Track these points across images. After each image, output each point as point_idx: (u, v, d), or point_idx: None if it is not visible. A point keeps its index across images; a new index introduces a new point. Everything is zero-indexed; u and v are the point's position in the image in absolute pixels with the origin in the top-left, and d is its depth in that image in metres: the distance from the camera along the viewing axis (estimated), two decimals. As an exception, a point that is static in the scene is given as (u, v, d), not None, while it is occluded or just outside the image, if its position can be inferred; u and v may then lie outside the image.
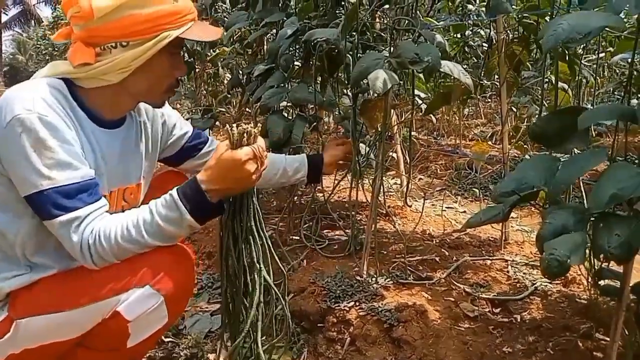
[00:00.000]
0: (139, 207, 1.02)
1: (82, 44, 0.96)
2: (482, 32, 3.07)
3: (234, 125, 0.98)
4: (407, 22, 1.47)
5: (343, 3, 1.71)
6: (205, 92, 3.22)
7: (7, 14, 29.67)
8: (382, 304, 1.37)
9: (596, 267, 1.04)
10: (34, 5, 28.70)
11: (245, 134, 0.97)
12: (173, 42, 0.99)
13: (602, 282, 1.04)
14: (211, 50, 2.73)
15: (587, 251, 0.82)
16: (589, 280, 1.31)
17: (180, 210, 0.96)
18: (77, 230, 0.92)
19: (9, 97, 0.92)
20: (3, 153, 0.92)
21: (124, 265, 0.96)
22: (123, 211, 1.12)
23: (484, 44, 3.43)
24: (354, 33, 1.50)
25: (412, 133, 2.73)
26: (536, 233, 1.88)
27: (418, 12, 1.61)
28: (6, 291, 0.98)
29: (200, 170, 1.18)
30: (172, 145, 1.27)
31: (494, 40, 1.81)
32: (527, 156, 1.94)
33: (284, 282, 1.15)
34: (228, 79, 2.99)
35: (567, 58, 1.43)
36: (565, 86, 1.63)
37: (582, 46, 1.64)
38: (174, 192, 0.98)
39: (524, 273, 1.55)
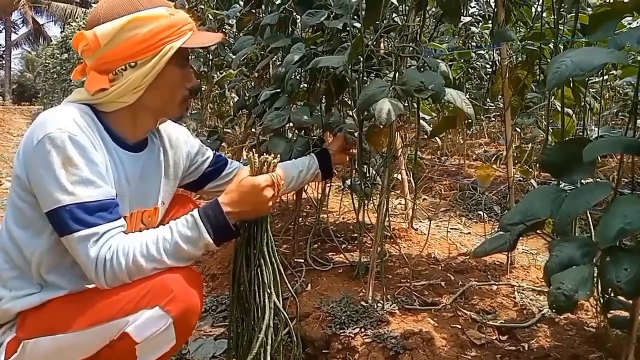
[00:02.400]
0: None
1: (95, 73, 1.02)
2: (486, 55, 3.10)
3: (256, 154, 1.06)
4: (411, 49, 1.49)
5: (348, 29, 1.74)
6: (210, 110, 3.25)
7: (17, 33, 30.27)
8: (387, 330, 1.36)
9: (605, 297, 1.03)
10: (42, 24, 29.28)
11: (265, 163, 1.05)
12: (179, 54, 1.04)
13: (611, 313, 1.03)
14: (218, 73, 2.77)
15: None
16: (597, 307, 1.30)
17: (200, 230, 0.99)
18: (94, 245, 0.94)
19: (42, 119, 0.97)
20: (31, 169, 0.95)
21: (134, 286, 0.97)
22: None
23: (487, 65, 3.46)
24: (360, 58, 1.52)
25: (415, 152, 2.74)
26: (541, 258, 1.86)
27: (422, 37, 1.63)
28: (16, 310, 0.99)
29: (219, 192, 1.26)
30: (195, 171, 1.32)
31: (497, 64, 1.83)
32: (532, 180, 1.94)
33: (296, 307, 1.17)
34: (234, 100, 3.02)
35: (571, 84, 1.44)
36: (570, 111, 1.64)
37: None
38: (195, 212, 1.02)
39: (531, 299, 1.54)
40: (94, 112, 1.03)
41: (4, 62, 28.64)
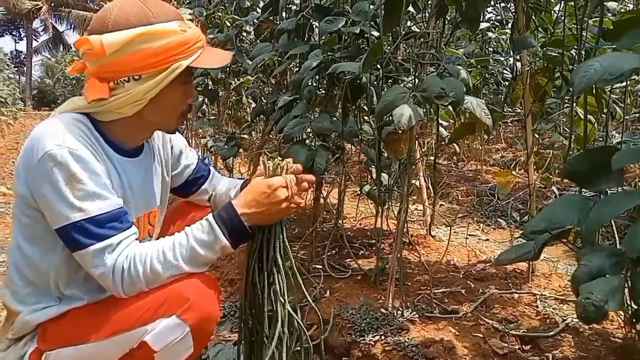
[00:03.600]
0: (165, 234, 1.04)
1: (96, 80, 0.98)
2: (503, 60, 3.07)
3: (268, 159, 1.06)
4: (431, 55, 1.49)
5: (366, 36, 1.74)
6: (227, 116, 3.28)
7: (37, 40, 31.03)
8: (408, 338, 1.35)
9: (634, 308, 1.01)
10: (62, 31, 29.95)
11: (278, 167, 1.05)
12: (184, 71, 1.01)
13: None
14: (235, 79, 2.80)
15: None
16: (624, 317, 1.27)
17: (216, 232, 0.99)
18: (110, 256, 0.94)
19: (38, 135, 0.94)
20: (35, 188, 0.94)
21: (151, 294, 0.97)
22: (150, 235, 1.16)
23: (504, 71, 3.43)
24: (378, 65, 1.53)
25: (432, 158, 2.73)
26: (562, 266, 1.82)
27: (441, 44, 1.63)
28: (36, 322, 1.01)
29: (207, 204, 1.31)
30: (179, 174, 1.29)
31: (517, 69, 1.82)
32: (553, 187, 1.91)
33: (319, 316, 1.16)
34: (251, 106, 3.05)
35: (594, 91, 1.42)
36: (591, 118, 1.62)
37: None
38: (209, 216, 1.01)
39: (554, 308, 1.51)
40: (90, 121, 1.00)
41: (25, 68, 29.39)
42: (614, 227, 1.39)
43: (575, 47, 1.42)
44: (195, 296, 0.97)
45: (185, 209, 1.35)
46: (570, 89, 1.63)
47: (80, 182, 0.92)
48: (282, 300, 1.08)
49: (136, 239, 1.00)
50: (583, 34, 1.33)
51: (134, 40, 0.95)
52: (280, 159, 1.07)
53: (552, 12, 1.73)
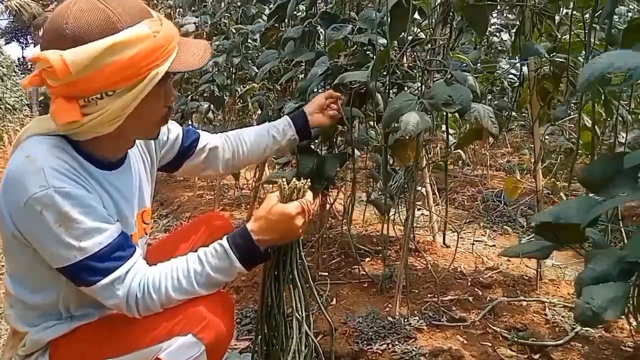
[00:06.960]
0: (178, 256, 1.01)
1: (62, 100, 0.86)
2: (506, 66, 3.07)
3: (285, 180, 1.02)
4: (438, 62, 1.48)
5: (373, 43, 1.74)
6: (233, 123, 3.30)
7: (44, 46, 31.36)
8: (415, 347, 1.34)
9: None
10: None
11: (295, 190, 1.02)
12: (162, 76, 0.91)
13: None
14: (241, 86, 2.81)
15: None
16: (633, 325, 1.25)
17: (231, 259, 0.98)
18: (120, 287, 0.92)
19: (17, 175, 0.86)
20: (26, 231, 0.89)
21: (167, 313, 0.96)
22: (146, 233, 1.14)
23: (510, 75, 3.42)
24: (384, 73, 1.53)
25: (438, 163, 2.72)
26: (570, 272, 1.80)
27: (447, 50, 1.63)
28: (47, 340, 0.99)
29: (196, 170, 1.33)
30: (168, 152, 1.25)
31: (524, 74, 1.80)
32: (562, 194, 1.90)
33: (330, 324, 1.18)
34: (257, 112, 3.06)
35: (602, 96, 1.41)
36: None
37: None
38: (224, 242, 0.99)
39: (563, 316, 1.50)
40: (69, 143, 0.92)
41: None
42: (624, 234, 1.37)
43: (583, 53, 1.41)
44: (212, 315, 0.97)
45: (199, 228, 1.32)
46: (577, 95, 1.63)
47: (74, 220, 0.86)
48: (299, 317, 1.08)
49: (141, 258, 0.98)
50: (591, 39, 1.32)
51: (103, 54, 0.83)
52: (297, 181, 1.02)
53: (557, 16, 1.72)
